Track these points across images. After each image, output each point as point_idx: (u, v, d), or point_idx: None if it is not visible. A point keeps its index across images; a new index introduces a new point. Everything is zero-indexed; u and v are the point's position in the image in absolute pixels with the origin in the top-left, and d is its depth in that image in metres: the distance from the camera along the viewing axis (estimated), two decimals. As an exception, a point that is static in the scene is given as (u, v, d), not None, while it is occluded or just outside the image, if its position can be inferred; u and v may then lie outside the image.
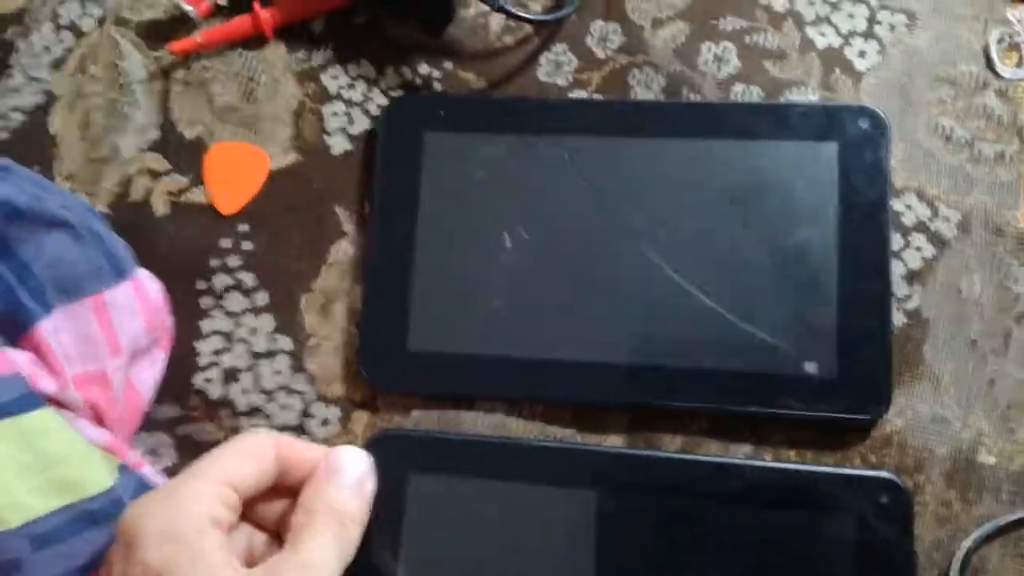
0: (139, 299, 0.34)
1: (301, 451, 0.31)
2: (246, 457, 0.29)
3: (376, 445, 0.33)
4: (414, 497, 0.33)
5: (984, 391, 0.33)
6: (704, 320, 0.34)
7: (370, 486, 0.31)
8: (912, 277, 0.35)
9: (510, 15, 0.36)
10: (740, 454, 0.34)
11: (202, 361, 0.37)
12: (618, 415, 0.35)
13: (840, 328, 0.33)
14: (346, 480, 0.31)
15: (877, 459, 0.34)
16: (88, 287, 0.33)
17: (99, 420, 0.33)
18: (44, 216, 0.32)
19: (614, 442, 0.35)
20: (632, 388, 0.34)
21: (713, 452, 0.34)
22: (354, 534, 0.30)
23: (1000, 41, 0.37)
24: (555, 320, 0.35)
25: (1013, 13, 0.37)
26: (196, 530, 0.27)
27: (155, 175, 0.39)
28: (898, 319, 0.34)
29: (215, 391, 0.36)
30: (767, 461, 0.34)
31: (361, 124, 0.39)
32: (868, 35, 0.37)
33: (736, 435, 0.34)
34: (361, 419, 0.36)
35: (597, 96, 0.38)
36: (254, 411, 0.36)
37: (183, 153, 0.39)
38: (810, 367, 0.33)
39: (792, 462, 0.34)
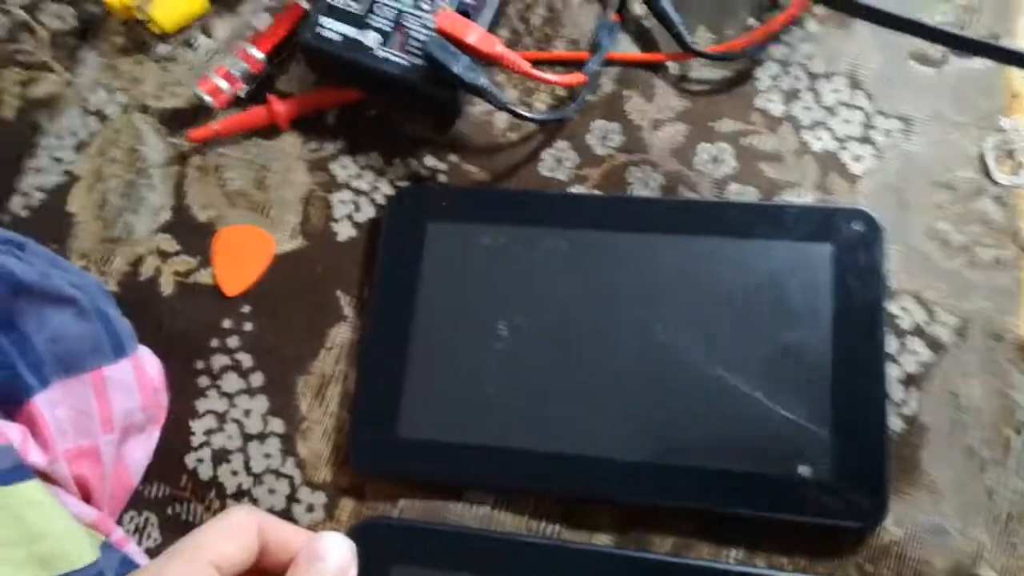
0: (137, 377, 0.35)
1: (285, 533, 0.31)
2: (230, 537, 0.30)
3: (359, 533, 0.33)
4: (396, 589, 0.33)
5: (984, 502, 0.33)
6: (697, 418, 0.35)
7: (352, 575, 0.31)
8: (909, 382, 0.35)
9: (514, 114, 0.38)
10: (732, 559, 0.34)
11: (195, 441, 0.37)
12: (608, 512, 0.35)
13: (834, 432, 0.33)
14: (328, 568, 0.31)
15: (875, 569, 0.33)
16: (88, 363, 0.34)
17: (87, 496, 0.34)
18: (51, 292, 0.33)
19: (603, 540, 0.35)
20: (623, 485, 0.34)
21: (704, 555, 0.34)
22: None
23: (995, 148, 0.38)
24: (547, 411, 0.36)
25: (1007, 122, 0.38)
26: None
27: (165, 255, 0.41)
28: (895, 424, 0.34)
29: (205, 472, 0.37)
30: (760, 568, 0.33)
31: (367, 212, 0.40)
32: (864, 139, 0.39)
33: (728, 538, 0.34)
34: (347, 506, 0.36)
35: (596, 192, 0.40)
36: (242, 493, 0.36)
37: (194, 235, 0.41)
38: (804, 470, 0.33)
39: (785, 570, 0.33)
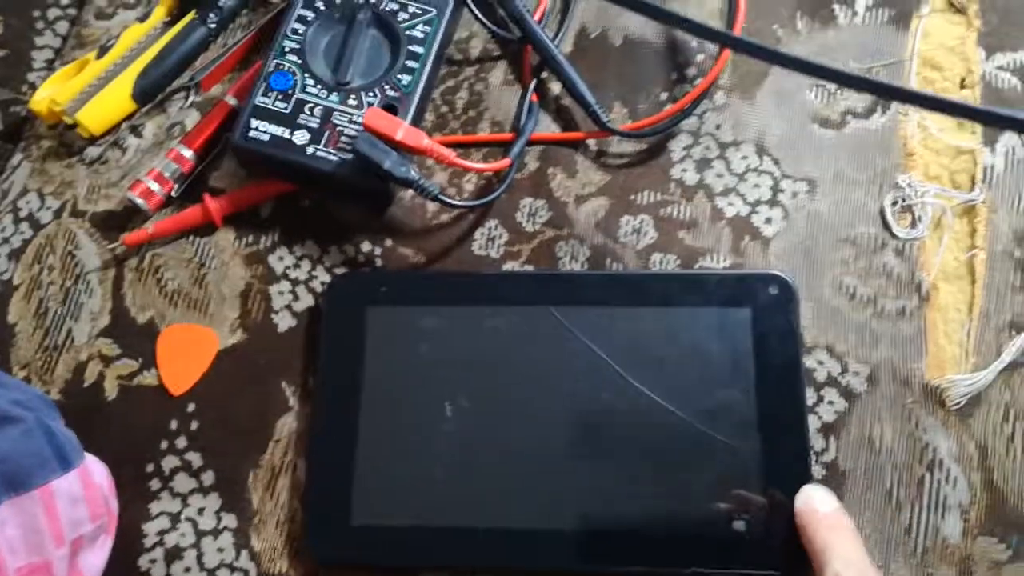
0: (85, 488, 0.38)
1: None
2: None
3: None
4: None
5: (901, 539, 0.38)
6: (637, 482, 0.39)
7: None
8: (828, 430, 0.40)
9: (444, 203, 0.43)
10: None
11: (148, 542, 0.41)
12: (560, 580, 0.39)
13: (765, 486, 0.38)
14: None
15: (810, 612, 0.38)
16: (35, 479, 0.37)
17: (43, 611, 0.37)
18: (-4, 413, 0.37)
19: (556, 608, 0.39)
20: (575, 554, 0.39)
21: (652, 612, 0.38)
22: None
23: (894, 204, 0.44)
24: (496, 488, 0.40)
25: (904, 178, 0.44)
26: None
27: (107, 360, 0.44)
28: (817, 472, 0.39)
29: (158, 572, 0.40)
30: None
31: (306, 301, 0.45)
32: (773, 203, 0.44)
33: (674, 594, 0.39)
34: (304, 596, 0.40)
35: (528, 267, 0.44)
36: (198, 592, 0.40)
37: (134, 337, 0.44)
38: (739, 525, 0.38)
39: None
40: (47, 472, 0.37)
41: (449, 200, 0.43)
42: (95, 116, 0.48)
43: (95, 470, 0.40)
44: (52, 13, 0.55)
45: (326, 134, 0.43)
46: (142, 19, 0.50)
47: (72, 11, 0.55)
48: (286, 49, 0.45)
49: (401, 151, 0.42)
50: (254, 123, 0.44)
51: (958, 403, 0.40)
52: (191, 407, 0.43)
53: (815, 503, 0.37)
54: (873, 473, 0.39)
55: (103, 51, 0.49)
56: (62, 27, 0.54)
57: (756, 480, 0.38)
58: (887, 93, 0.39)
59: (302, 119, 0.44)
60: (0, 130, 0.52)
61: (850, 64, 0.46)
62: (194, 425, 0.43)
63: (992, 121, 0.37)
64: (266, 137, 0.43)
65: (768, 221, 0.44)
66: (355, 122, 0.44)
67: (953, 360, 0.40)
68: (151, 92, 0.49)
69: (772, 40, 0.47)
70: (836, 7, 0.47)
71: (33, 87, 0.53)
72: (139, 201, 0.45)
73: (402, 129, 0.42)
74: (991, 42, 0.46)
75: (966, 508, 0.38)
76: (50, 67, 0.53)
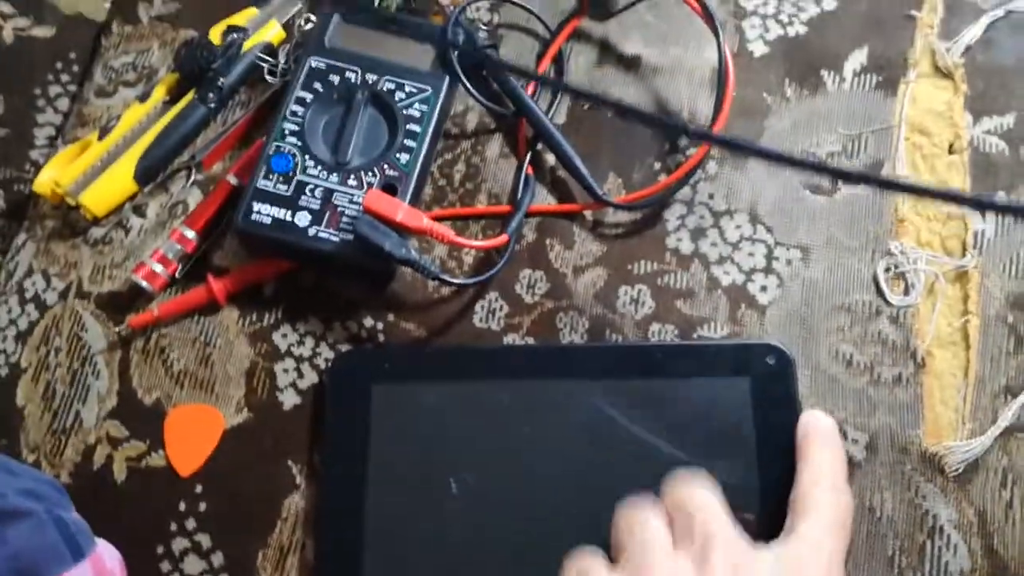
0: (97, 574, 0.39)
1: None
2: None
3: None
4: None
5: (905, 609, 0.39)
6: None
7: None
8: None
9: (443, 282, 0.44)
10: None
11: (160, 627, 0.42)
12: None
13: (767, 555, 0.39)
14: None
15: None
16: (47, 572, 0.38)
17: None
18: (5, 510, 0.38)
19: None
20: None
21: None
22: None
23: (887, 271, 0.45)
24: (506, 562, 0.41)
25: (895, 244, 0.45)
26: None
27: (115, 442, 0.45)
28: (820, 542, 0.40)
29: (171, 657, 0.41)
30: None
31: (310, 378, 0.46)
32: (768, 271, 0.45)
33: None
34: None
35: (529, 339, 0.45)
36: (211, 678, 0.41)
37: (142, 419, 0.46)
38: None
39: None
40: (60, 565, 0.38)
41: (449, 279, 0.44)
42: (98, 198, 0.49)
43: (107, 555, 0.41)
44: (53, 90, 0.56)
45: (327, 215, 0.45)
46: (142, 98, 0.52)
47: (72, 87, 0.56)
48: (286, 131, 0.47)
49: (401, 231, 0.43)
50: (256, 206, 0.45)
51: (956, 469, 0.41)
52: (199, 488, 0.44)
53: (815, 419, 0.40)
54: (875, 541, 0.40)
55: (104, 132, 0.51)
56: (63, 104, 0.56)
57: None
58: (873, 182, 0.41)
59: (303, 200, 0.45)
60: (3, 209, 0.53)
61: (838, 131, 0.47)
62: (203, 506, 0.44)
63: (984, 207, 0.38)
64: (268, 220, 0.45)
65: (763, 289, 0.45)
66: (355, 202, 0.45)
67: (950, 426, 0.41)
68: (153, 172, 0.50)
69: (762, 108, 0.48)
70: (824, 73, 0.49)
71: (36, 165, 0.54)
72: (143, 283, 0.47)
73: (402, 211, 0.43)
74: (978, 106, 0.47)
75: (968, 575, 0.39)
76: (52, 144, 0.55)
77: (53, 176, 0.50)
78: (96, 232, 0.50)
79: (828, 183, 0.47)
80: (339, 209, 0.45)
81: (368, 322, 0.47)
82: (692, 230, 0.47)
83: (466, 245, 0.44)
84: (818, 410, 0.40)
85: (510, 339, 0.46)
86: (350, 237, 0.44)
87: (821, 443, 0.39)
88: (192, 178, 0.50)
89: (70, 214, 0.51)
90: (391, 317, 0.47)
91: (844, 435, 0.42)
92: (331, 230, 0.44)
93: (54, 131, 0.55)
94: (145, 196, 0.51)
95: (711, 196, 0.47)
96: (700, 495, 0.36)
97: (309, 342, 0.46)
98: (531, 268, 0.47)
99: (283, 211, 0.45)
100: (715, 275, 0.46)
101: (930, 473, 0.41)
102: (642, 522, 0.36)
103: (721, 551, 0.34)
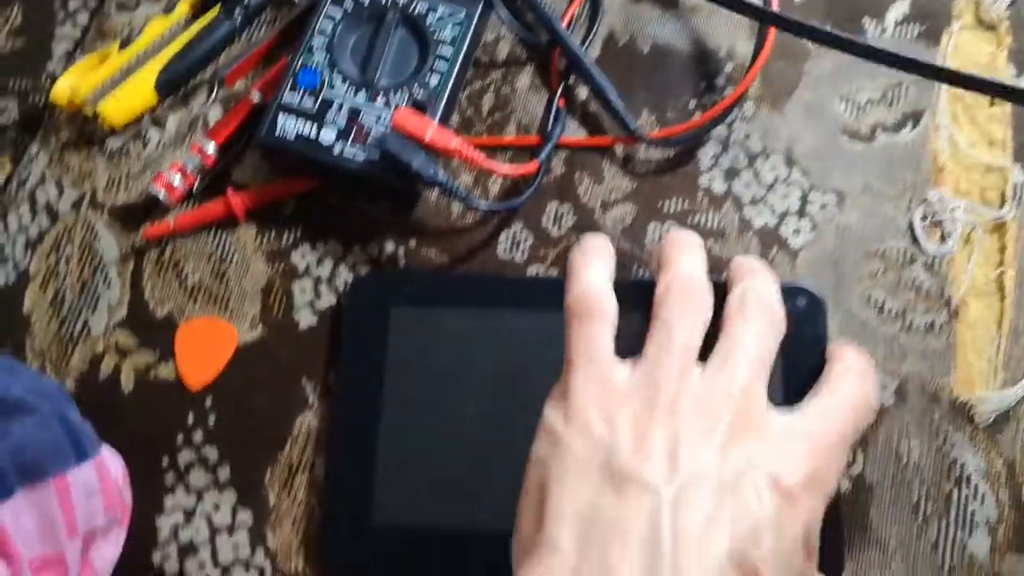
0: (100, 480, 0.38)
1: None
2: None
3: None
4: None
5: (928, 555, 0.38)
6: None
7: None
8: (855, 443, 0.40)
9: (471, 206, 0.43)
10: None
11: (161, 537, 0.41)
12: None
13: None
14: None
15: (834, 627, 0.38)
16: (51, 469, 0.37)
17: (55, 604, 0.37)
18: (10, 403, 0.37)
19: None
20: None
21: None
22: None
23: (923, 219, 0.44)
24: (516, 491, 0.40)
25: (933, 193, 0.44)
26: None
27: (124, 352, 0.44)
28: (843, 485, 0.40)
29: (171, 567, 0.40)
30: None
31: (328, 300, 0.45)
32: (801, 214, 0.45)
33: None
34: (322, 596, 0.40)
35: (553, 271, 0.45)
36: (213, 589, 0.40)
37: (152, 330, 0.45)
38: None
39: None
40: (63, 462, 0.37)
41: (477, 203, 0.43)
42: (117, 108, 0.48)
43: (111, 462, 0.40)
44: (72, 5, 0.55)
45: (353, 132, 0.44)
46: (167, 11, 0.51)
47: (93, 3, 0.55)
48: (314, 47, 0.46)
49: (429, 152, 0.42)
50: (280, 120, 0.44)
51: (987, 419, 0.40)
52: (208, 402, 0.43)
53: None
54: (900, 487, 0.39)
55: (125, 43, 0.49)
56: (83, 18, 0.55)
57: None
58: (921, 70, 0.40)
59: (329, 117, 0.44)
60: (17, 119, 0.52)
61: (879, 79, 0.46)
62: (211, 420, 0.43)
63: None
64: (292, 135, 0.44)
65: (796, 232, 0.44)
66: (382, 121, 0.44)
67: (982, 376, 0.41)
68: (174, 85, 0.49)
69: (803, 52, 0.47)
70: (866, 20, 0.48)
71: (52, 77, 0.53)
72: (160, 194, 0.46)
73: (432, 129, 0.42)
74: (1021, 59, 0.46)
75: (994, 525, 0.39)
76: (70, 58, 0.53)
77: (71, 84, 0.48)
78: (113, 143, 0.49)
79: (866, 129, 0.46)
80: (365, 128, 0.44)
81: (389, 247, 0.46)
82: (726, 170, 0.46)
83: (495, 170, 0.43)
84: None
85: (534, 271, 0.45)
86: (376, 155, 0.43)
87: (851, 351, 0.35)
88: (214, 94, 0.49)
89: (86, 124, 0.49)
90: (413, 243, 0.46)
91: (873, 380, 0.41)
92: (357, 148, 0.43)
93: (72, 45, 0.54)
94: (165, 110, 0.49)
95: (747, 136, 0.46)
96: (759, 327, 0.33)
97: (328, 263, 0.45)
98: (559, 201, 0.46)
99: (308, 126, 0.44)
100: (747, 216, 0.45)
101: (959, 422, 0.40)
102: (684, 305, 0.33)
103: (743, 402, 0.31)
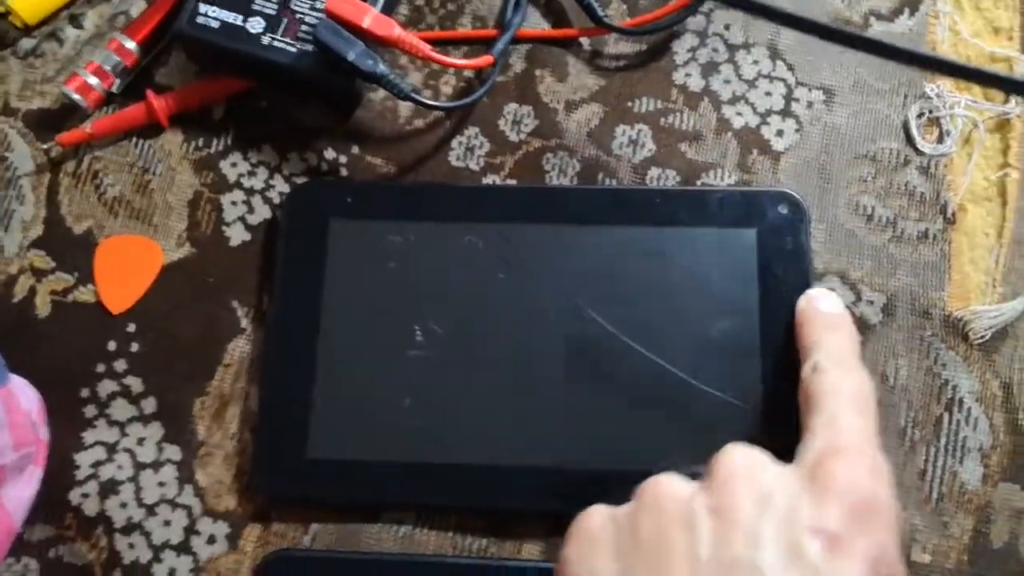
0: (9, 412, 0.35)
1: None
2: None
3: (268, 568, 0.34)
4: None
5: (915, 483, 0.35)
6: (626, 416, 0.36)
7: None
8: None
9: (418, 103, 0.39)
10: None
11: (80, 474, 0.38)
12: (536, 522, 0.36)
13: (765, 425, 0.35)
14: None
15: (812, 561, 0.35)
16: (-48, 400, 0.34)
17: (-38, 545, 0.34)
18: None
19: (532, 551, 0.36)
20: (552, 493, 0.36)
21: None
22: None
23: (920, 116, 0.40)
24: (468, 421, 0.37)
25: (931, 87, 0.40)
26: None
27: (39, 274, 0.40)
28: (825, 409, 0.36)
29: (91, 507, 0.37)
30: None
31: (262, 213, 0.41)
32: (785, 113, 0.40)
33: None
34: (253, 534, 0.37)
35: (511, 181, 0.41)
36: (132, 527, 0.37)
37: (70, 249, 0.41)
38: (735, 463, 0.35)
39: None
40: (-37, 393, 0.34)
41: (423, 99, 0.39)
42: (29, 3, 0.43)
43: (22, 393, 0.37)
44: None
45: (284, 22, 0.39)
46: None
47: None
48: (241, -75, 0.41)
49: (369, 42, 0.38)
50: (203, 7, 0.39)
51: (982, 336, 0.37)
52: (132, 327, 0.39)
53: (818, 302, 0.35)
54: (887, 412, 0.36)
55: (37, -70, 0.44)
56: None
57: (757, 412, 0.36)
58: None
59: (257, 4, 0.39)
60: (-76, 19, 0.48)
61: (877, -40, 0.42)
62: (135, 347, 0.39)
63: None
64: (216, 24, 0.39)
65: (779, 134, 0.40)
66: (317, 9, 0.39)
67: (979, 289, 0.37)
68: (91, -24, 0.44)
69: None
70: None
71: (-39, -28, 0.48)
72: (76, 97, 0.41)
73: (370, 16, 0.38)
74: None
75: (987, 452, 0.36)
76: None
77: (-23, -23, 0.44)
78: (26, 43, 0.44)
79: (859, 18, 0.41)
80: (298, 16, 0.39)
81: (329, 154, 0.41)
82: (703, 64, 0.41)
83: (444, 62, 0.39)
84: (825, 291, 0.35)
85: (490, 180, 0.41)
86: (309, 48, 0.39)
87: (837, 329, 0.33)
88: (136, -15, 0.45)
89: (-4, 23, 0.45)
90: (356, 149, 0.42)
91: (858, 296, 0.38)
92: (288, 39, 0.39)
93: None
94: (83, 5, 0.44)
95: (727, 27, 0.42)
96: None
97: (262, 173, 0.41)
98: (517, 103, 0.42)
99: (233, 15, 0.39)
100: (726, 116, 0.41)
101: (952, 340, 0.37)
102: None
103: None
